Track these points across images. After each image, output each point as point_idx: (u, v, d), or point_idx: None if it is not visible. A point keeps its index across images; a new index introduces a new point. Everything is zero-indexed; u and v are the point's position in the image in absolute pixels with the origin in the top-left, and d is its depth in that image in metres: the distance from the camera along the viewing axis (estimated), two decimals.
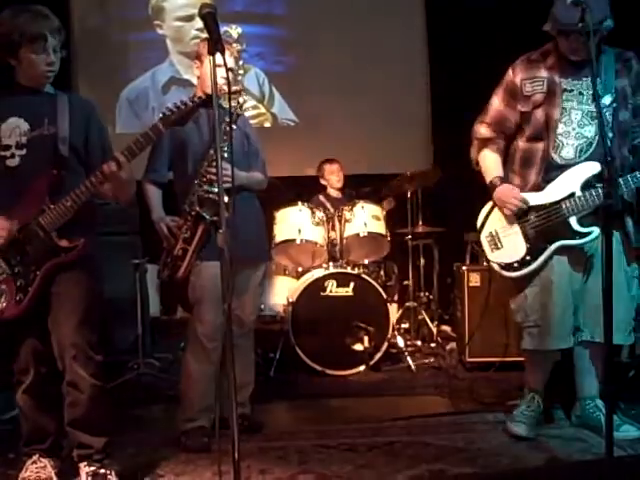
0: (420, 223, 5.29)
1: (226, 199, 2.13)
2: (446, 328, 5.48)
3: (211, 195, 3.11)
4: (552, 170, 3.06)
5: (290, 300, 4.66)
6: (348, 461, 2.99)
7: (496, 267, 3.22)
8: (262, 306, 4.71)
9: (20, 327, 2.71)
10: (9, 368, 2.81)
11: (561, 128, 3.04)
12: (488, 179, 3.22)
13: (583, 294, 3.09)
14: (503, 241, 3.18)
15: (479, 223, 3.29)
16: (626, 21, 2.78)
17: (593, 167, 2.99)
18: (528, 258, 3.09)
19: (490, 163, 3.25)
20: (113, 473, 2.77)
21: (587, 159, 3.02)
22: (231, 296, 2.13)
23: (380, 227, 4.82)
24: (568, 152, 3.04)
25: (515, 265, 3.12)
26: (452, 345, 5.00)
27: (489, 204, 3.27)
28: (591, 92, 3.00)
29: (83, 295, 2.69)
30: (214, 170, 3.08)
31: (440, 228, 5.36)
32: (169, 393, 3.87)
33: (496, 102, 3.23)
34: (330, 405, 3.93)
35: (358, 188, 5.57)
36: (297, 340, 4.54)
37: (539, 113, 3.08)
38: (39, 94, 2.74)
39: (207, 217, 3.11)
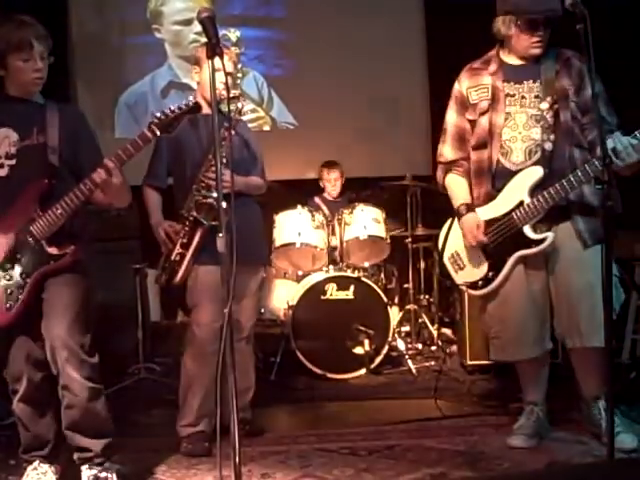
0: (420, 226, 5.27)
1: (224, 205, 2.13)
2: (447, 331, 5.45)
3: (209, 200, 3.11)
4: (505, 177, 3.00)
5: (290, 304, 4.65)
6: (349, 465, 2.99)
7: (463, 288, 3.21)
8: (262, 310, 4.71)
9: (12, 334, 2.71)
10: (3, 376, 2.81)
11: (507, 133, 3.00)
12: (455, 205, 3.17)
13: (553, 299, 3.02)
14: (465, 260, 3.14)
15: (440, 245, 3.25)
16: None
17: (536, 172, 2.93)
18: (491, 274, 3.04)
19: (456, 188, 3.18)
20: (114, 476, 2.77)
21: (537, 162, 2.95)
22: (231, 301, 2.13)
23: (380, 230, 4.82)
24: (518, 156, 2.98)
25: (480, 283, 3.08)
26: (453, 348, 4.99)
27: (446, 225, 3.25)
28: (533, 95, 2.98)
29: (74, 299, 2.69)
30: (212, 175, 3.08)
31: (440, 231, 5.34)
32: (170, 398, 3.86)
33: (451, 117, 3.18)
34: (331, 409, 3.93)
35: (358, 191, 5.57)
36: (298, 344, 4.54)
37: (484, 120, 3.04)
38: (28, 104, 2.74)
39: (205, 222, 3.11)
